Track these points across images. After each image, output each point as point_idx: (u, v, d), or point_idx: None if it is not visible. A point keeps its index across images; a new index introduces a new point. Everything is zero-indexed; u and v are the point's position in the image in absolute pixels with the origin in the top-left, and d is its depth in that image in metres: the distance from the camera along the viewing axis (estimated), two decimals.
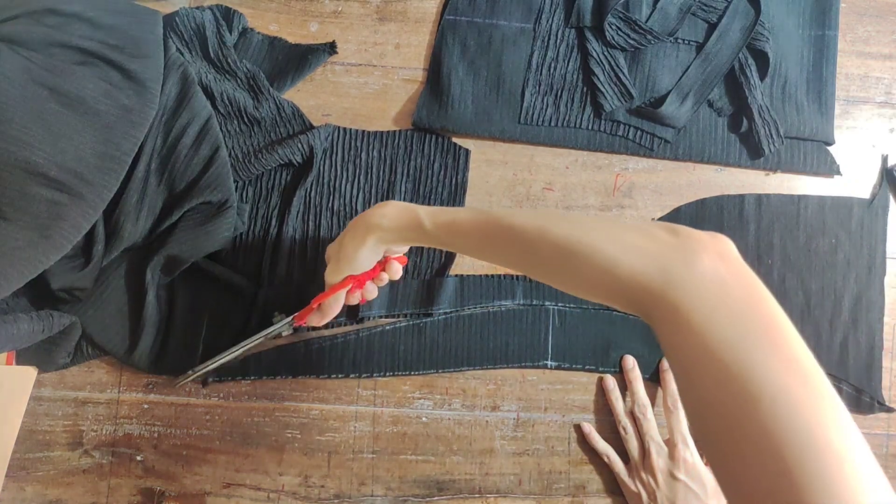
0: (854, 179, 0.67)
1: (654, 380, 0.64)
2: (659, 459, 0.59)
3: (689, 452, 0.58)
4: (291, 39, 0.68)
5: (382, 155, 0.66)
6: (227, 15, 0.66)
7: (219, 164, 0.60)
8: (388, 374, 0.63)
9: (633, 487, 0.60)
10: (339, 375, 0.63)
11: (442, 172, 0.66)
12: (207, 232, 0.60)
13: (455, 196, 0.66)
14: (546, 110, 0.66)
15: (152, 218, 0.60)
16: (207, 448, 0.63)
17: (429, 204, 0.65)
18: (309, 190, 0.65)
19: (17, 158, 0.52)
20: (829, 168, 0.67)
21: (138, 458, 0.62)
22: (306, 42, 0.68)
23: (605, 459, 0.62)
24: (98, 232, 0.57)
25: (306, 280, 0.63)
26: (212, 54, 0.65)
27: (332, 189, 0.65)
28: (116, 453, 0.62)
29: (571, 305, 0.64)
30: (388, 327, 0.63)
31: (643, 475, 0.59)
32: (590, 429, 0.63)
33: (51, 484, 0.62)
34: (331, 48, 0.67)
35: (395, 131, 0.67)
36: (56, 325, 0.58)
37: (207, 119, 0.61)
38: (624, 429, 0.62)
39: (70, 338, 0.60)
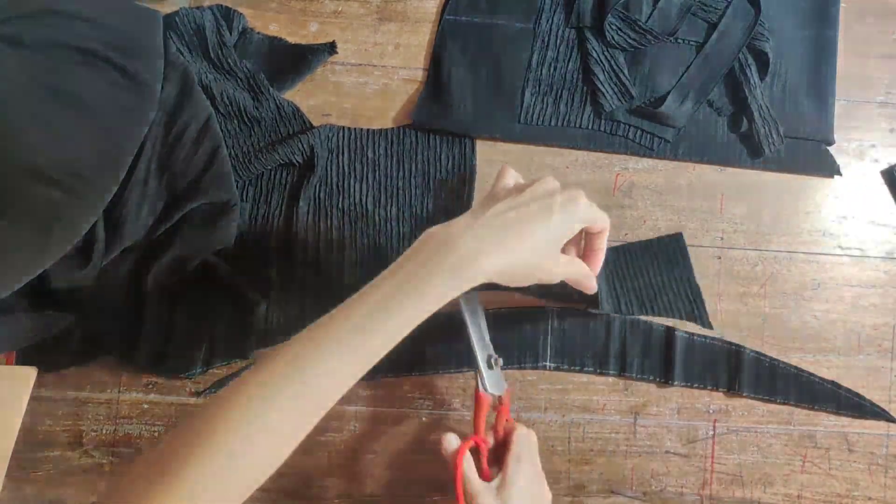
0: (854, 179, 0.67)
1: (660, 383, 0.64)
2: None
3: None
4: (291, 39, 0.68)
5: (389, 152, 0.66)
6: (227, 15, 0.66)
7: (219, 163, 0.60)
8: (389, 375, 0.63)
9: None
10: None
11: (450, 163, 0.66)
12: (213, 232, 0.60)
13: (466, 185, 0.65)
14: (546, 110, 0.66)
15: (153, 218, 0.60)
16: None
17: (438, 196, 0.65)
18: (316, 191, 0.65)
19: (17, 158, 0.52)
20: (829, 168, 0.67)
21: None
22: (306, 42, 0.68)
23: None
24: (98, 232, 0.57)
25: (319, 288, 0.63)
26: (212, 54, 0.65)
27: (340, 189, 0.65)
28: (116, 453, 0.62)
29: (571, 307, 0.64)
30: None
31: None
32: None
33: (51, 484, 0.62)
34: (331, 48, 0.67)
35: (399, 127, 0.67)
36: (56, 325, 0.58)
37: (207, 119, 0.61)
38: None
39: (70, 338, 0.60)
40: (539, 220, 0.44)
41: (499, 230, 0.43)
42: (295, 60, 0.67)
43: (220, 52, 0.65)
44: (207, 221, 0.60)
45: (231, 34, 0.66)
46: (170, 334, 0.61)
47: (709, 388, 0.64)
